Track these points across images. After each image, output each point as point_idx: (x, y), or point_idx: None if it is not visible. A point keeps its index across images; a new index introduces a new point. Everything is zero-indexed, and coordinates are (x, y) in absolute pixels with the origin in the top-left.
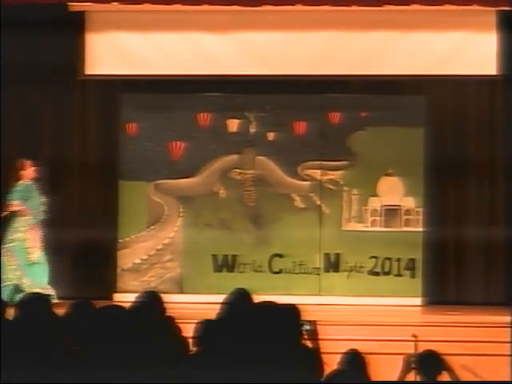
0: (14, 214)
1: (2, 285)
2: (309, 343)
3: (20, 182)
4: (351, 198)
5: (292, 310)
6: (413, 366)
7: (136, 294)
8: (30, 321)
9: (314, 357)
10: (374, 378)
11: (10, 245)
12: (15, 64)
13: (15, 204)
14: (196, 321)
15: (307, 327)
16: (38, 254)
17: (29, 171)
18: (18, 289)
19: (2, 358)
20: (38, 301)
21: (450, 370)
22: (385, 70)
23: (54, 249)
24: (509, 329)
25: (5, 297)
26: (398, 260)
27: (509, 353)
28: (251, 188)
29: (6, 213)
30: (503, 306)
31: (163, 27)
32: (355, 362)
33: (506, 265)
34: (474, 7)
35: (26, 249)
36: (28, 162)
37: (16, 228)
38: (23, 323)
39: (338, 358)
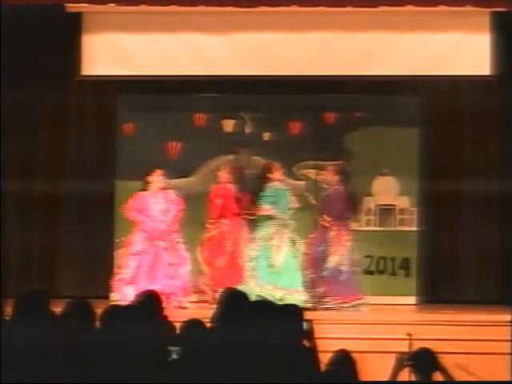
0: (262, 218)
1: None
2: (306, 342)
3: (270, 185)
4: None
5: (292, 310)
6: (405, 363)
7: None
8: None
9: (311, 355)
10: (369, 376)
11: (257, 249)
12: (12, 64)
13: (265, 208)
14: (192, 320)
15: (304, 326)
16: (283, 257)
17: (277, 174)
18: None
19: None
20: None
21: (443, 368)
22: (379, 70)
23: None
24: (503, 327)
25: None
26: (393, 259)
27: (508, 351)
28: None
29: (255, 216)
30: (497, 304)
31: (159, 28)
32: (344, 362)
33: (499, 264)
34: (468, 8)
35: (272, 253)
36: (276, 165)
37: (264, 231)
38: None
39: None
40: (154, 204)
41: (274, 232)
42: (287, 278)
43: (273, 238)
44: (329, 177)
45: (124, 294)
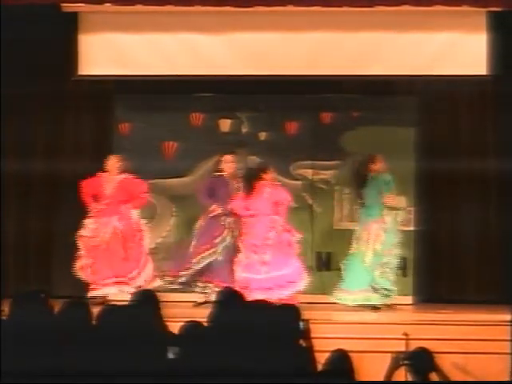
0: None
1: (351, 287)
2: (302, 342)
3: (373, 175)
4: (343, 198)
5: (288, 309)
6: (401, 363)
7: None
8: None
9: (308, 355)
10: (365, 376)
11: (360, 240)
12: (9, 64)
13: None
14: (190, 320)
15: (301, 326)
16: (384, 245)
17: (379, 165)
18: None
19: None
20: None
21: (439, 368)
22: (376, 70)
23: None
24: (501, 327)
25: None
26: None
27: (507, 351)
28: None
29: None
30: (495, 304)
31: (156, 28)
32: (341, 361)
33: (497, 264)
34: (464, 8)
35: (372, 244)
36: (379, 157)
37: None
38: None
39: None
40: (265, 200)
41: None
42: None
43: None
44: (226, 166)
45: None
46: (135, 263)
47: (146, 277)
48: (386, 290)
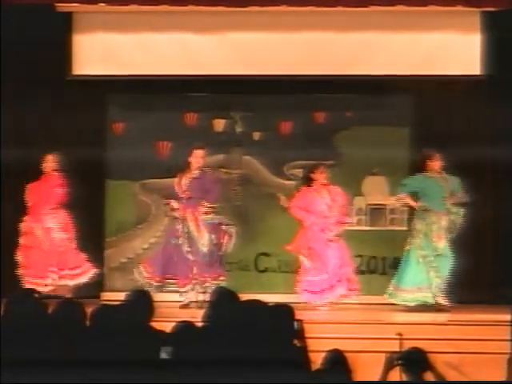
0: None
1: (406, 286)
2: (296, 342)
3: (426, 175)
4: None
5: (283, 309)
6: (395, 363)
7: (123, 293)
8: None
9: (302, 355)
10: (359, 376)
11: (419, 236)
12: (3, 64)
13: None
14: (183, 320)
15: (295, 326)
16: (443, 243)
17: (436, 164)
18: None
19: None
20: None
21: (434, 367)
22: (370, 70)
23: None
24: (495, 326)
25: (414, 299)
26: (383, 259)
27: (501, 351)
28: (237, 187)
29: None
30: (488, 304)
31: (150, 28)
32: (337, 361)
33: (492, 264)
34: (458, 8)
35: (433, 239)
36: (436, 154)
37: (422, 218)
38: None
39: (322, 357)
40: (319, 199)
41: (431, 218)
42: (446, 264)
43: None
44: (194, 160)
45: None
46: (70, 260)
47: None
48: (438, 288)
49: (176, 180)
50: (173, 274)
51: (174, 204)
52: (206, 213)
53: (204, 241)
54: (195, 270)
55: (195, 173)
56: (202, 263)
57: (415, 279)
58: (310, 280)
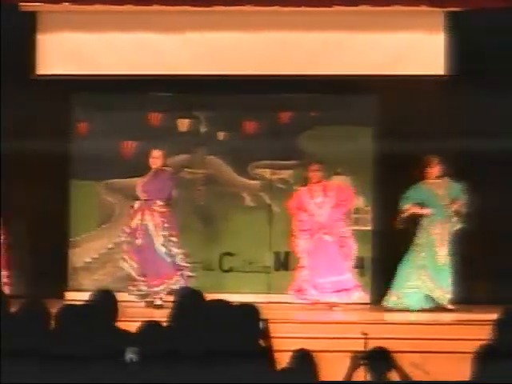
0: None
1: (404, 291)
2: (261, 342)
3: (425, 182)
4: None
5: (248, 309)
6: (361, 362)
7: (87, 293)
8: None
9: (267, 355)
10: (324, 375)
11: (420, 246)
12: None
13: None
14: (147, 320)
15: (260, 326)
16: (445, 253)
17: (435, 170)
18: (423, 294)
19: None
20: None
21: (398, 367)
22: (334, 69)
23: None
24: (460, 326)
25: (412, 304)
26: None
27: (465, 350)
28: (202, 187)
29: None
30: (456, 304)
31: (114, 27)
32: (304, 360)
33: (452, 263)
34: (423, 8)
35: (435, 249)
36: (435, 160)
37: (424, 227)
38: None
39: (288, 356)
40: (309, 199)
41: (433, 227)
42: (447, 274)
43: (433, 232)
44: (152, 161)
45: (309, 294)
46: None
47: None
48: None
49: (138, 180)
50: (142, 274)
51: (135, 205)
52: (161, 213)
53: (161, 241)
54: (160, 270)
55: (151, 173)
56: (164, 263)
57: (416, 283)
58: (304, 279)
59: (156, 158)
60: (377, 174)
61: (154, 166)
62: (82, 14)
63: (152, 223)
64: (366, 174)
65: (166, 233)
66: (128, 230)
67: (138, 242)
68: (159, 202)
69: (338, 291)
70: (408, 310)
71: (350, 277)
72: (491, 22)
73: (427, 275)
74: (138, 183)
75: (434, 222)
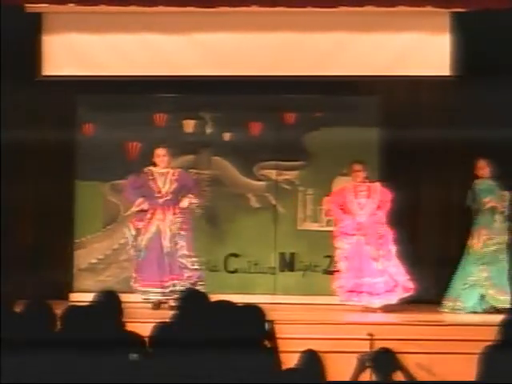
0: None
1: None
2: (267, 343)
3: (479, 181)
4: (306, 198)
5: (253, 310)
6: (367, 364)
7: (92, 294)
8: None
9: (273, 356)
10: (330, 376)
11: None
12: None
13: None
14: (153, 321)
15: (266, 327)
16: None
17: (486, 171)
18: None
19: None
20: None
21: (404, 368)
22: (339, 70)
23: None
24: (462, 327)
25: (469, 304)
26: None
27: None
28: (207, 188)
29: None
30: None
31: (119, 29)
32: (312, 361)
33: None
34: (428, 9)
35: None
36: (484, 161)
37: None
38: None
39: (294, 357)
40: (354, 198)
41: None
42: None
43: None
44: (158, 160)
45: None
46: None
47: None
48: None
49: (149, 180)
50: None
51: (144, 205)
52: (179, 213)
53: (167, 242)
54: (164, 271)
55: (163, 172)
56: (169, 264)
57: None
58: (346, 281)
59: (162, 156)
60: (382, 174)
61: (162, 165)
62: (88, 15)
63: (166, 223)
64: (372, 174)
65: (180, 233)
66: (134, 231)
67: (148, 240)
68: (184, 201)
69: (379, 294)
70: (463, 312)
71: (387, 279)
72: (496, 23)
73: (488, 276)
74: (150, 183)
75: (482, 220)
